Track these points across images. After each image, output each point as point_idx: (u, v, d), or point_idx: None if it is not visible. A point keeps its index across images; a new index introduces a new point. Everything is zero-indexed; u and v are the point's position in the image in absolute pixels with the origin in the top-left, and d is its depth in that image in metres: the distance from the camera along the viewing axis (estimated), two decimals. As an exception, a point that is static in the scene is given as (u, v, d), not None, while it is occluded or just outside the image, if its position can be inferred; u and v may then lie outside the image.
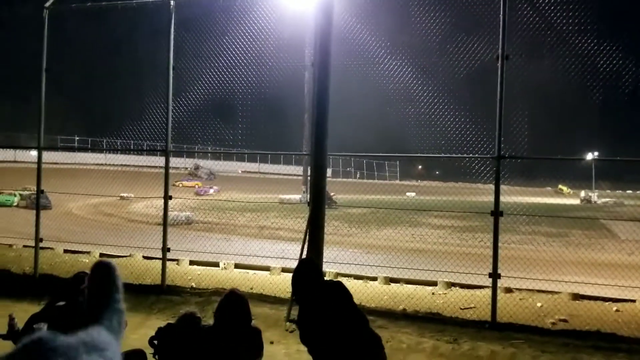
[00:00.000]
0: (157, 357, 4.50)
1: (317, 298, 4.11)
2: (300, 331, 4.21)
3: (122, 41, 12.15)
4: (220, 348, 4.06)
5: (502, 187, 8.16)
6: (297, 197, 30.53)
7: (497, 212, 7.84)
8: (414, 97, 9.55)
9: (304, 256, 8.11)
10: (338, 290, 4.21)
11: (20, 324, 4.68)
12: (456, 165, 10.46)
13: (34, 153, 10.57)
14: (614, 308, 8.70)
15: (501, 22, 7.84)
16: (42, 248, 10.58)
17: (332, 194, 30.64)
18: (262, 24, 9.61)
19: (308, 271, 4.28)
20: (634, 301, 8.98)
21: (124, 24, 10.74)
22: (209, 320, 4.90)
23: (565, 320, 8.03)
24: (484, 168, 8.76)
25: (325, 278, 4.54)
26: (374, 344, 4.07)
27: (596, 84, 8.35)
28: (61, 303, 4.60)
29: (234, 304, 4.14)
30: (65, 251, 12.65)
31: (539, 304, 8.83)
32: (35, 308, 5.27)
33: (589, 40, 8.10)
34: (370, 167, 61.40)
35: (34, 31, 10.26)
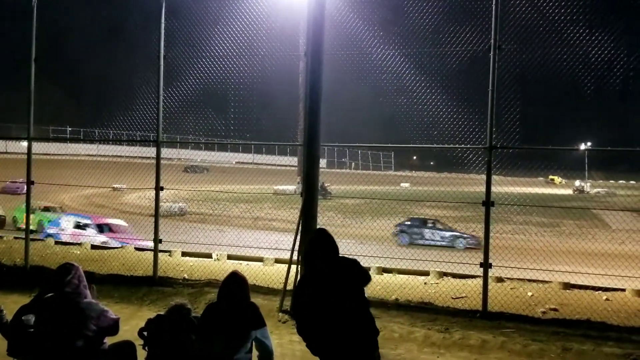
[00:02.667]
0: (146, 348, 4.51)
1: (327, 269, 4.02)
2: (297, 299, 4.11)
3: (112, 30, 12.04)
4: (223, 320, 4.33)
5: (495, 178, 8.17)
6: (291, 187, 30.49)
7: (488, 202, 7.86)
8: (406, 87, 9.53)
9: (296, 247, 8.12)
10: (352, 268, 4.08)
11: (9, 315, 4.67)
12: (449, 156, 10.48)
13: (25, 144, 10.50)
14: (604, 297, 8.75)
15: (493, 12, 7.82)
16: (33, 240, 10.54)
17: (326, 184, 30.67)
18: (255, 12, 9.55)
19: (325, 239, 4.15)
20: (623, 290, 9.03)
21: (114, 12, 10.65)
22: (200, 311, 4.92)
23: (555, 309, 8.07)
24: (476, 158, 8.77)
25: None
26: (370, 328, 3.98)
27: (588, 74, 8.35)
28: (49, 295, 4.58)
29: (235, 282, 4.48)
30: (57, 243, 12.62)
31: (529, 293, 8.88)
32: (25, 300, 5.25)
33: (581, 30, 8.09)
34: (365, 157, 61.42)
35: (23, 19, 10.15)
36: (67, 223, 17.03)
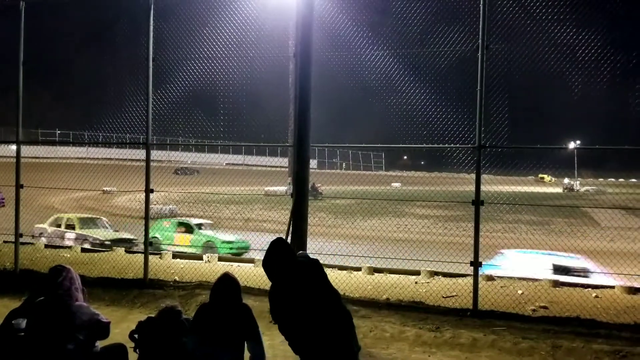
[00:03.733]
0: (137, 350, 4.51)
1: (289, 276, 4.16)
2: (271, 308, 4.22)
3: (101, 32, 11.99)
4: (216, 321, 4.37)
5: (485, 177, 8.21)
6: (282, 188, 30.49)
7: (477, 201, 7.89)
8: (396, 87, 9.56)
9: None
10: (311, 267, 4.29)
11: (-1, 320, 4.65)
12: (438, 155, 10.52)
13: (13, 147, 10.44)
14: (594, 294, 8.81)
15: (481, 12, 7.86)
16: (22, 243, 10.48)
17: (317, 185, 30.70)
18: (244, 14, 9.54)
19: (279, 250, 4.30)
20: (613, 287, 9.10)
21: (103, 14, 10.61)
22: (191, 313, 4.92)
23: (545, 307, 8.12)
24: (466, 157, 8.81)
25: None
26: (345, 320, 4.11)
27: (575, 72, 8.41)
28: (40, 298, 4.57)
29: (227, 284, 4.53)
30: (47, 246, 12.55)
31: (519, 292, 8.92)
32: (15, 304, 5.24)
33: (568, 29, 8.15)
34: (355, 158, 61.45)
35: (11, 23, 10.09)
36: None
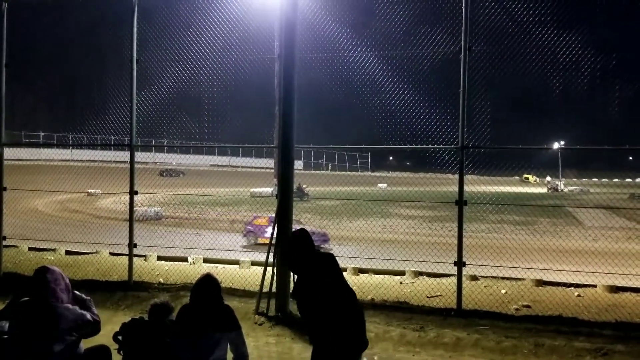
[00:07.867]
0: (121, 352, 4.50)
1: (311, 268, 4.30)
2: (297, 302, 4.31)
3: (84, 34, 11.92)
4: (197, 323, 4.37)
5: (470, 177, 8.27)
6: (268, 190, 30.49)
7: (461, 202, 7.95)
8: (380, 89, 9.61)
9: (272, 250, 8.14)
10: (330, 261, 4.43)
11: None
12: (423, 156, 10.58)
13: (-4, 150, 10.32)
14: (576, 293, 8.92)
15: (463, 15, 7.93)
16: (5, 246, 10.37)
17: (304, 186, 30.75)
18: (229, 15, 9.54)
19: (305, 240, 4.43)
20: (595, 286, 9.22)
21: (86, 16, 10.55)
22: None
23: (528, 306, 8.21)
24: (450, 158, 8.87)
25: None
26: (361, 315, 4.34)
27: (557, 74, 8.52)
28: (24, 299, 4.53)
29: (205, 284, 4.53)
30: (30, 249, 12.43)
31: (503, 291, 9.01)
32: (-1, 307, 5.19)
33: (549, 31, 8.26)
34: (342, 159, 61.64)
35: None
36: None
